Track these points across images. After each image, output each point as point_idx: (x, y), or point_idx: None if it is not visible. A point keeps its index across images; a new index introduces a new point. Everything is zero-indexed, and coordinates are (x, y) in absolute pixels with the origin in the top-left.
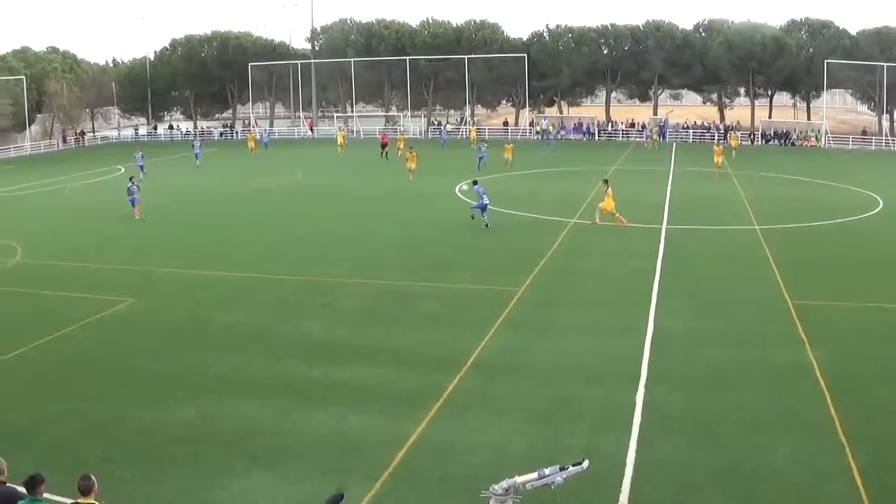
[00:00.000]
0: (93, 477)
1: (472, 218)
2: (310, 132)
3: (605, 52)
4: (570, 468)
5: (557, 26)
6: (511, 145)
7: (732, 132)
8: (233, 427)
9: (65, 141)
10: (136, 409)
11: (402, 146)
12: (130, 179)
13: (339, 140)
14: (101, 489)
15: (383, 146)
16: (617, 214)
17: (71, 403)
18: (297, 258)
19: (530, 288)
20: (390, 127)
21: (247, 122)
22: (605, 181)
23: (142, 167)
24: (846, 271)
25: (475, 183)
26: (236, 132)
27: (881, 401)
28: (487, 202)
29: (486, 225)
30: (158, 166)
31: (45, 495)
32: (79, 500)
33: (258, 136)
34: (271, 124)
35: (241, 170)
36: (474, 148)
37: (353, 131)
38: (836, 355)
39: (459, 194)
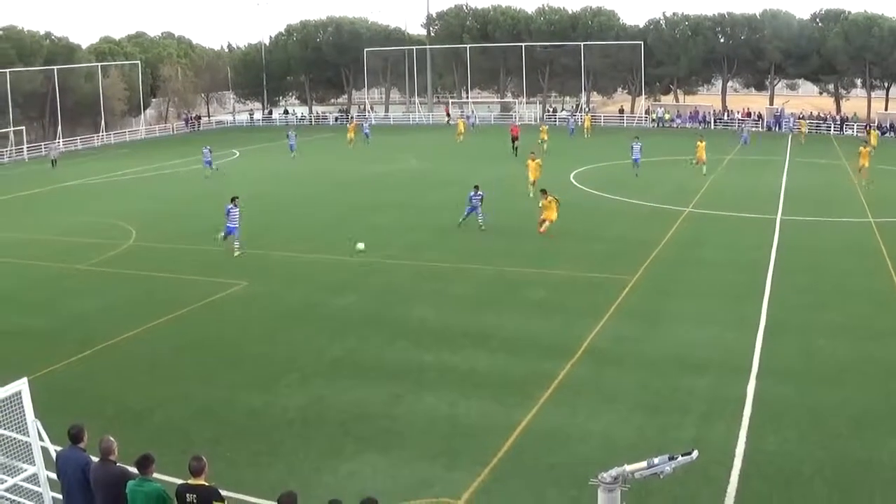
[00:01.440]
0: (204, 458)
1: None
2: (447, 118)
3: (722, 40)
4: (679, 458)
5: (674, 14)
6: (704, 142)
7: (872, 129)
8: (344, 410)
9: (186, 124)
10: (248, 391)
11: (545, 137)
12: (233, 201)
13: (460, 128)
14: (210, 470)
15: (514, 139)
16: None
17: (183, 385)
18: (409, 244)
19: (644, 276)
20: (505, 114)
21: (362, 107)
22: (544, 191)
23: (209, 163)
24: None
25: (476, 188)
26: (351, 117)
27: None
28: (474, 207)
29: (460, 223)
30: (271, 151)
31: (155, 475)
32: (189, 481)
33: (364, 125)
34: (386, 110)
35: (355, 156)
36: (588, 137)
37: (478, 119)
38: None
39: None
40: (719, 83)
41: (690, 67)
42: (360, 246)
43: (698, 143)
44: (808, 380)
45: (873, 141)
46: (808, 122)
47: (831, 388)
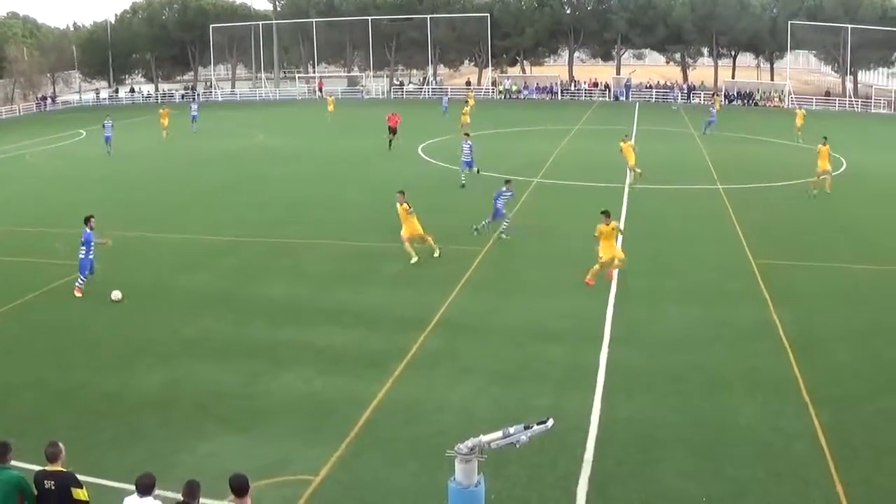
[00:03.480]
0: (60, 444)
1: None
2: (319, 93)
3: (568, 11)
4: (535, 427)
5: None
6: (630, 141)
7: (800, 108)
8: (200, 391)
9: (48, 102)
10: (103, 375)
11: (467, 120)
12: (87, 222)
13: (330, 106)
14: (68, 456)
15: (391, 130)
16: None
17: (37, 372)
18: (262, 221)
19: (494, 247)
20: (355, 85)
21: (208, 83)
22: (607, 213)
23: None
24: (810, 232)
25: (508, 183)
26: (197, 94)
27: (844, 360)
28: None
29: (478, 230)
30: (117, 130)
31: (14, 463)
32: (46, 468)
33: (192, 107)
34: (233, 86)
35: (202, 133)
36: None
37: (315, 92)
38: (800, 315)
39: None
40: (566, 54)
41: (537, 39)
42: (116, 295)
43: (622, 143)
44: (661, 346)
45: (799, 121)
46: (720, 97)
47: (683, 353)
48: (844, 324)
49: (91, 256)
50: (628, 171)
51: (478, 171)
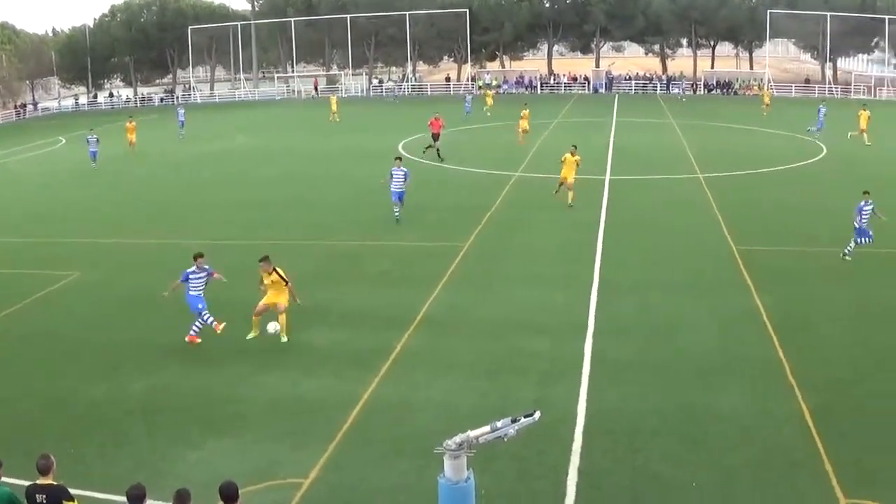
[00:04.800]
0: (51, 456)
1: None
2: (314, 92)
3: (547, 5)
4: (522, 420)
5: None
6: (576, 155)
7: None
8: (187, 396)
9: (17, 110)
10: (90, 384)
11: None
12: (195, 259)
13: (333, 106)
14: (59, 468)
15: (435, 137)
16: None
17: (24, 382)
18: (243, 222)
19: (475, 243)
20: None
21: (187, 86)
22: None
23: None
24: (791, 217)
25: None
26: (177, 97)
27: (829, 344)
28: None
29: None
30: (100, 136)
31: (3, 479)
32: (37, 481)
33: (179, 112)
34: (212, 87)
35: (186, 135)
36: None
37: (295, 92)
38: (783, 300)
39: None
40: (545, 48)
41: (516, 33)
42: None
43: (567, 155)
44: (645, 335)
45: (863, 124)
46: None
47: (669, 342)
48: (828, 307)
49: (195, 294)
50: (561, 187)
51: (397, 220)
